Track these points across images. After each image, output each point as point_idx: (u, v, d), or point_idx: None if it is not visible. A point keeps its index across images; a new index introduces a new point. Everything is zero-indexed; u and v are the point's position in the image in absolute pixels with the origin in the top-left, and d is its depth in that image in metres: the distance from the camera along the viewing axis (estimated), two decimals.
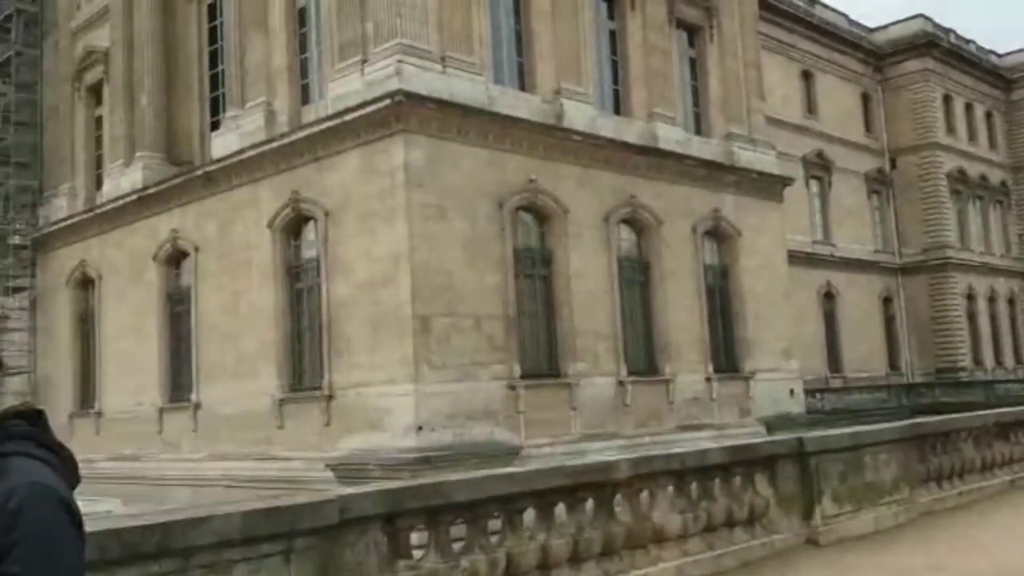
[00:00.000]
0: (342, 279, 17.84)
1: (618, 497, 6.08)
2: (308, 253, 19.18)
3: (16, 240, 27.60)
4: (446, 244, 17.17)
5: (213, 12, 23.82)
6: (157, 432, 22.42)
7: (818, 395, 28.36)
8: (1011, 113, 49.50)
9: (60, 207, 26.76)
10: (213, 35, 23.77)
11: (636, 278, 21.77)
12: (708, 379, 22.17)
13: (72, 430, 25.37)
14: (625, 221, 21.53)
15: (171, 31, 24.47)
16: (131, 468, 22.64)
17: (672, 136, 22.53)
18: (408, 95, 16.69)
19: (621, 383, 20.20)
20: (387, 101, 16.74)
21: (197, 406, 21.26)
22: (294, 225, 19.37)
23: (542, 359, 19.29)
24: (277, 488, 18.17)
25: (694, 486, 6.76)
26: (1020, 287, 47.61)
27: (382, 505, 4.31)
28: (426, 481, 5.09)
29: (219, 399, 20.62)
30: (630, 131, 21.78)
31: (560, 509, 5.59)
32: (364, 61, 17.82)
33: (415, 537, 4.62)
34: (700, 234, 23.11)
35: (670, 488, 6.54)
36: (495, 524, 5.11)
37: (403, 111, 16.76)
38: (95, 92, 26.64)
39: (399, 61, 16.99)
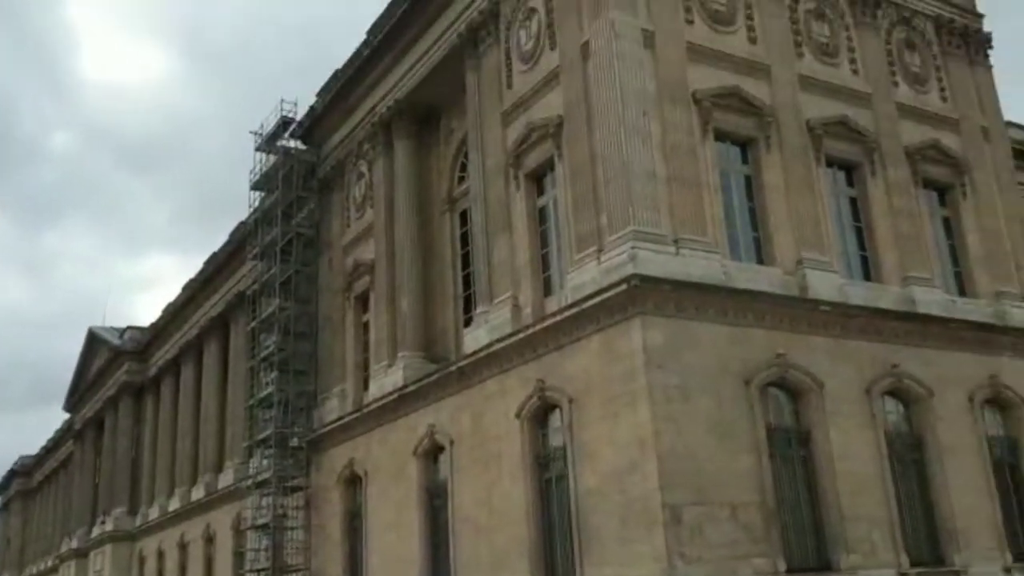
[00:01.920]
0: (588, 467, 17.60)
1: None
2: (555, 442, 19.20)
3: (294, 442, 29.85)
4: (692, 427, 16.59)
5: (464, 219, 25.71)
6: None
7: None
8: None
9: (332, 409, 28.82)
10: (464, 239, 25.57)
11: (909, 456, 19.88)
12: (1008, 569, 19.39)
13: None
14: (889, 393, 19.97)
15: (427, 240, 26.66)
16: None
17: (932, 299, 21.04)
18: (643, 279, 16.81)
19: (903, 575, 18.10)
20: (623, 286, 16.93)
21: None
22: (540, 413, 19.58)
23: (809, 550, 17.71)
24: None
25: None
26: None
27: None
28: None
29: None
30: (884, 297, 20.58)
31: None
32: (600, 250, 18.29)
33: None
34: (978, 404, 20.95)
35: None
36: None
37: (638, 294, 16.84)
38: (362, 300, 29.07)
39: (633, 247, 17.27)
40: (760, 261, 19.69)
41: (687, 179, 18.71)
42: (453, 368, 22.56)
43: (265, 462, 30.48)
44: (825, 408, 18.47)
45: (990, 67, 26.14)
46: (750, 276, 18.77)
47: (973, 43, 25.63)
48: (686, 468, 16.22)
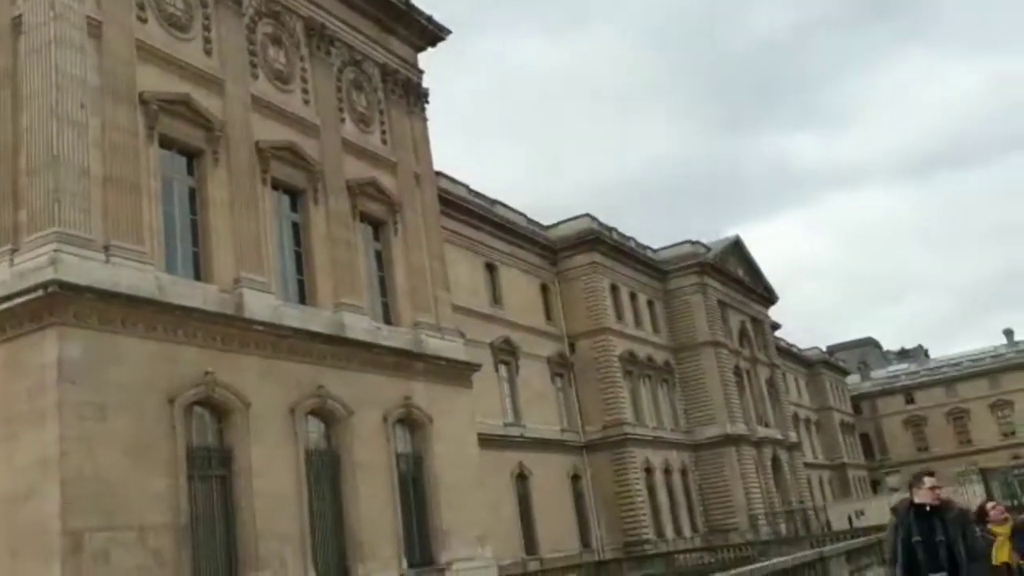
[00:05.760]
0: None
1: None
2: None
3: None
4: (106, 447, 15.45)
5: None
6: None
7: None
8: (668, 301, 55.35)
9: None
10: None
11: (326, 472, 20.88)
12: (402, 575, 21.37)
13: None
14: (313, 413, 20.80)
15: None
16: None
17: (360, 325, 22.51)
18: (63, 285, 15.30)
19: None
20: (39, 292, 15.24)
21: None
22: None
23: (220, 571, 17.59)
24: None
25: None
26: (690, 458, 51.74)
27: None
28: None
29: None
30: (316, 321, 21.48)
31: None
32: (15, 250, 16.28)
33: None
34: (392, 423, 22.85)
35: None
36: None
37: (57, 303, 15.29)
38: None
39: (55, 250, 15.65)
40: (198, 277, 19.24)
41: (126, 183, 17.60)
42: None
43: None
44: (250, 427, 18.57)
45: (426, 119, 29.03)
46: (185, 291, 18.21)
47: (413, 95, 28.27)
48: (95, 491, 15.04)
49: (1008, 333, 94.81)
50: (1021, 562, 8.00)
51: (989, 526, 8.33)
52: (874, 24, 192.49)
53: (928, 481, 7.07)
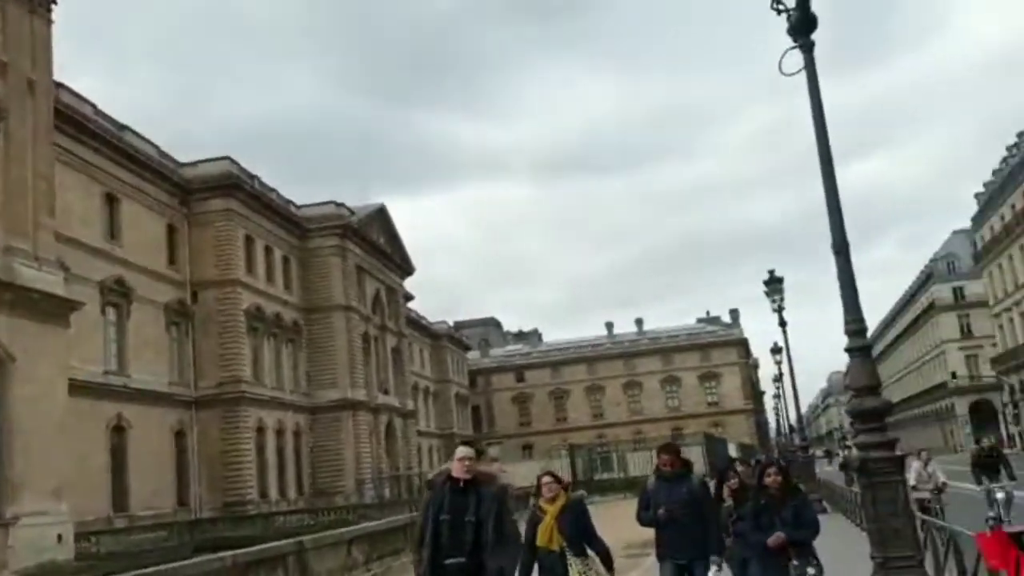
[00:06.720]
0: None
1: None
2: None
3: None
4: None
5: None
6: None
7: (93, 538, 26.05)
8: (305, 259, 54.33)
9: None
10: None
11: None
12: None
13: None
14: None
15: None
16: None
17: None
18: None
19: None
20: None
21: None
22: None
23: None
24: None
25: None
26: (306, 421, 51.41)
27: None
28: None
29: None
30: None
31: None
32: None
33: None
34: None
35: None
36: None
37: None
38: None
39: None
40: None
41: None
42: None
43: None
44: None
45: (51, 21, 25.64)
46: None
47: None
48: None
49: (609, 326, 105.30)
50: (564, 545, 6.74)
51: (540, 502, 6.98)
52: (529, 25, 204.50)
53: (461, 451, 6.12)
